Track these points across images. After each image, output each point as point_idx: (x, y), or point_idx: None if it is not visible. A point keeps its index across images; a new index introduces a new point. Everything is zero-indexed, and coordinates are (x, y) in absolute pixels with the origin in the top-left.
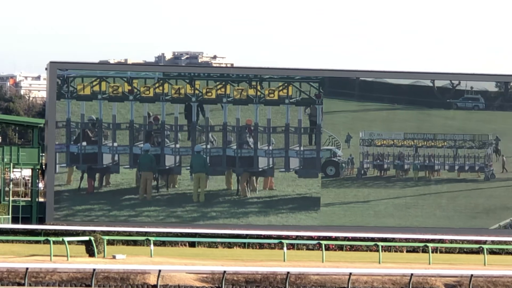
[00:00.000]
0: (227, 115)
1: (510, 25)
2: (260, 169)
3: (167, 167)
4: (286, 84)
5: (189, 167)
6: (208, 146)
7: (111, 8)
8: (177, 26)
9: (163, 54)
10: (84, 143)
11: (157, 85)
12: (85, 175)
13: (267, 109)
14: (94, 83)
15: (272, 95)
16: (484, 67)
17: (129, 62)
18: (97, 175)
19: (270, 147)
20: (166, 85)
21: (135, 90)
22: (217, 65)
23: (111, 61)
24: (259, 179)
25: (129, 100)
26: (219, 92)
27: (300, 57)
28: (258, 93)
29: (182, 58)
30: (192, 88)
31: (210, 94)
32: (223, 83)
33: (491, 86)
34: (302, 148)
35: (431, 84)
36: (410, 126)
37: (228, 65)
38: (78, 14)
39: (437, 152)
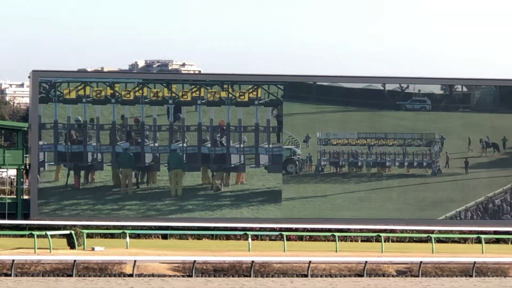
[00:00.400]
0: (202, 116)
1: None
2: (232, 165)
3: (146, 164)
4: (255, 87)
5: (167, 164)
6: (184, 145)
7: (88, 21)
8: (148, 36)
9: (136, 62)
10: (70, 143)
11: (136, 89)
12: (72, 172)
13: (238, 110)
14: (79, 87)
15: (242, 97)
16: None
17: (105, 70)
18: (82, 172)
19: (242, 145)
20: (145, 89)
21: (117, 94)
22: (186, 71)
23: (89, 69)
24: (232, 174)
25: (111, 103)
26: (194, 94)
27: (263, 64)
28: (230, 95)
29: (154, 65)
30: (169, 91)
31: (185, 96)
32: (198, 86)
33: (436, 89)
34: (270, 146)
35: (382, 88)
36: (363, 126)
37: (196, 72)
38: (56, 26)
39: (388, 150)
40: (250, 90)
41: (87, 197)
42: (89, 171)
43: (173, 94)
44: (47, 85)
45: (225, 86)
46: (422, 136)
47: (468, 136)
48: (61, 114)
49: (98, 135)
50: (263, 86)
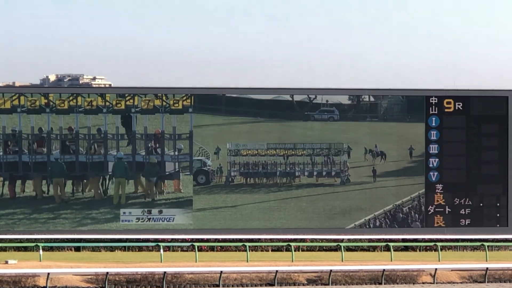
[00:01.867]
0: (136, 124)
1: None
2: (167, 173)
3: (81, 174)
4: (189, 94)
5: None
6: (122, 153)
7: None
8: (57, 52)
9: (47, 76)
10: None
11: (71, 98)
12: (6, 182)
13: (172, 118)
14: (14, 97)
15: (176, 105)
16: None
17: (16, 84)
18: (18, 182)
19: (176, 153)
20: (79, 98)
21: (51, 103)
22: (97, 85)
23: (0, 84)
24: (167, 182)
25: (45, 113)
26: (128, 103)
27: (170, 74)
28: (164, 103)
29: (65, 80)
30: (103, 100)
31: (119, 105)
32: (131, 94)
33: (344, 99)
34: None
35: (290, 99)
36: (272, 137)
37: (107, 85)
38: None
39: (297, 160)
40: (184, 98)
41: (23, 206)
42: (25, 180)
43: (107, 103)
44: None
45: (159, 94)
46: (330, 146)
47: (364, 146)
48: None
49: (33, 145)
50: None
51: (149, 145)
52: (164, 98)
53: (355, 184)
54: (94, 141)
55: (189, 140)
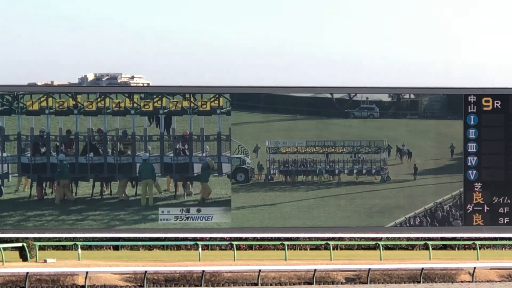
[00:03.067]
0: (170, 125)
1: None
2: (195, 174)
3: (110, 175)
4: (217, 96)
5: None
6: (147, 155)
7: (37, 35)
8: (96, 51)
9: (85, 76)
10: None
11: (99, 99)
12: (34, 184)
13: (200, 119)
14: (42, 99)
15: (204, 106)
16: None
17: (55, 84)
18: (46, 183)
19: (204, 154)
20: (107, 100)
21: (79, 105)
22: (135, 84)
23: (39, 83)
24: (195, 183)
25: (73, 114)
26: (156, 104)
27: (206, 74)
28: (192, 105)
29: (103, 79)
30: (131, 102)
31: (147, 106)
32: (159, 96)
33: (384, 97)
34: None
35: (330, 96)
36: (312, 135)
37: (145, 84)
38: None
39: (337, 158)
40: (212, 99)
41: (51, 208)
42: (52, 182)
43: (135, 105)
44: (10, 97)
45: (187, 95)
46: (370, 144)
47: (396, 144)
48: (24, 126)
49: (60, 146)
50: (225, 95)
51: (177, 147)
52: (192, 99)
53: (395, 182)
54: (121, 142)
55: (217, 141)
